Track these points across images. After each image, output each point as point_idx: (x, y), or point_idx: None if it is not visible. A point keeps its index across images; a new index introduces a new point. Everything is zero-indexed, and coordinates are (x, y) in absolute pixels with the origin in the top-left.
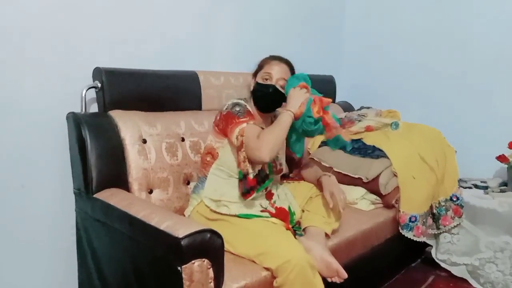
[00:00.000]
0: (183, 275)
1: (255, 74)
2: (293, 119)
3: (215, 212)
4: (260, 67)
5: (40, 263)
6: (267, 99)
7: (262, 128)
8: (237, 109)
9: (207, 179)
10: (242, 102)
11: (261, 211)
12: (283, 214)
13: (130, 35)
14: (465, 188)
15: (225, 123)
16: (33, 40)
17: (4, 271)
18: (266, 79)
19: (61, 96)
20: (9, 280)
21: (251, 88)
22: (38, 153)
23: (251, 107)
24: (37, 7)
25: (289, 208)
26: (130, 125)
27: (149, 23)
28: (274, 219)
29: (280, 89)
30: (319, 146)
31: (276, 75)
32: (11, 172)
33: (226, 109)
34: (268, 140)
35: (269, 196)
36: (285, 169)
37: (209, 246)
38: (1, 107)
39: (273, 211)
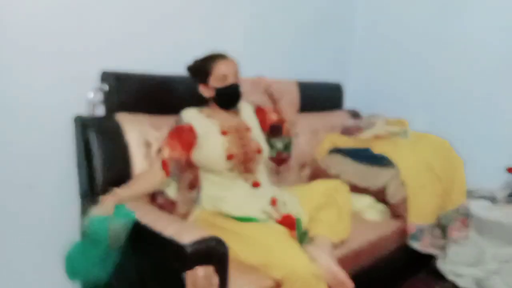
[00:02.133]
0: (187, 282)
1: (203, 81)
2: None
3: (218, 214)
4: (207, 72)
5: (44, 264)
6: (234, 98)
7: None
8: (174, 123)
9: (202, 189)
10: (181, 114)
11: (266, 217)
12: (289, 221)
13: (138, 38)
14: (473, 199)
15: None
16: (40, 42)
17: (8, 270)
18: (224, 81)
19: (68, 98)
20: (13, 280)
21: (210, 95)
22: (44, 155)
23: (210, 110)
24: (45, 9)
25: (297, 216)
26: (136, 129)
27: (158, 27)
28: (279, 226)
29: (238, 83)
30: (326, 153)
31: (231, 72)
32: (18, 173)
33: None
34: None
35: (273, 202)
36: (264, 147)
37: (214, 253)
38: (8, 108)
39: (278, 217)
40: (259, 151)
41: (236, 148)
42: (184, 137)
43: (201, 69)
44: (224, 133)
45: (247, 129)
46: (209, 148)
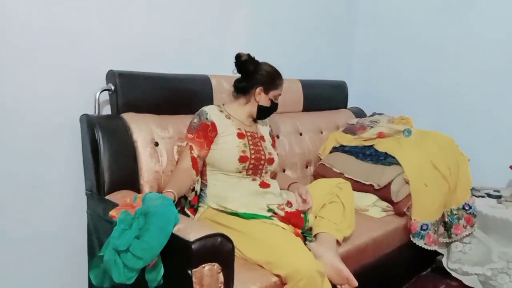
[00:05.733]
0: (194, 279)
1: (267, 89)
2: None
3: (223, 212)
4: (275, 85)
5: (50, 264)
6: (270, 114)
7: (241, 132)
8: (195, 120)
9: (207, 187)
10: (205, 110)
11: (271, 215)
12: (296, 219)
13: (144, 38)
14: (478, 197)
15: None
16: (47, 42)
17: (14, 270)
18: (276, 99)
19: (74, 98)
20: (19, 280)
21: (263, 103)
22: (50, 154)
23: (230, 110)
24: (50, 10)
25: (305, 214)
26: (142, 128)
27: (163, 27)
28: (283, 224)
29: None
30: (330, 152)
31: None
32: (23, 173)
33: (194, 115)
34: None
35: (288, 204)
36: (276, 158)
37: (220, 251)
38: (15, 108)
39: (282, 214)
40: (270, 160)
41: (250, 152)
42: (209, 135)
43: (273, 80)
44: (241, 135)
45: (262, 137)
46: (225, 147)
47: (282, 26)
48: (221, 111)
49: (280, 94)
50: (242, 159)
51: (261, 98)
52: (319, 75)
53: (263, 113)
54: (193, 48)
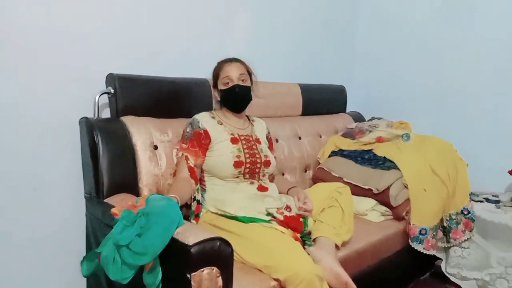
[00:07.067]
0: (192, 283)
1: (215, 86)
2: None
3: (222, 216)
4: (216, 76)
5: (49, 266)
6: (238, 99)
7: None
8: (188, 130)
9: (206, 191)
10: (197, 118)
11: (270, 219)
12: (295, 223)
13: (144, 41)
14: (477, 201)
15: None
16: (47, 45)
17: (14, 272)
18: (227, 83)
19: (74, 101)
20: (18, 281)
21: (219, 98)
22: (50, 157)
23: (222, 115)
24: (51, 12)
25: (304, 218)
26: (142, 131)
27: (163, 30)
28: (282, 228)
29: (242, 84)
30: (329, 156)
31: (234, 74)
32: (23, 175)
33: (186, 123)
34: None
35: (287, 208)
36: (272, 161)
37: (219, 254)
38: (15, 111)
39: (281, 218)
40: (267, 163)
41: (245, 156)
42: (203, 143)
43: (212, 74)
44: (234, 140)
45: (257, 140)
46: (219, 154)
47: (282, 30)
48: (213, 117)
49: (227, 77)
50: (237, 164)
51: (217, 95)
52: (318, 79)
53: (227, 102)
54: (194, 51)
